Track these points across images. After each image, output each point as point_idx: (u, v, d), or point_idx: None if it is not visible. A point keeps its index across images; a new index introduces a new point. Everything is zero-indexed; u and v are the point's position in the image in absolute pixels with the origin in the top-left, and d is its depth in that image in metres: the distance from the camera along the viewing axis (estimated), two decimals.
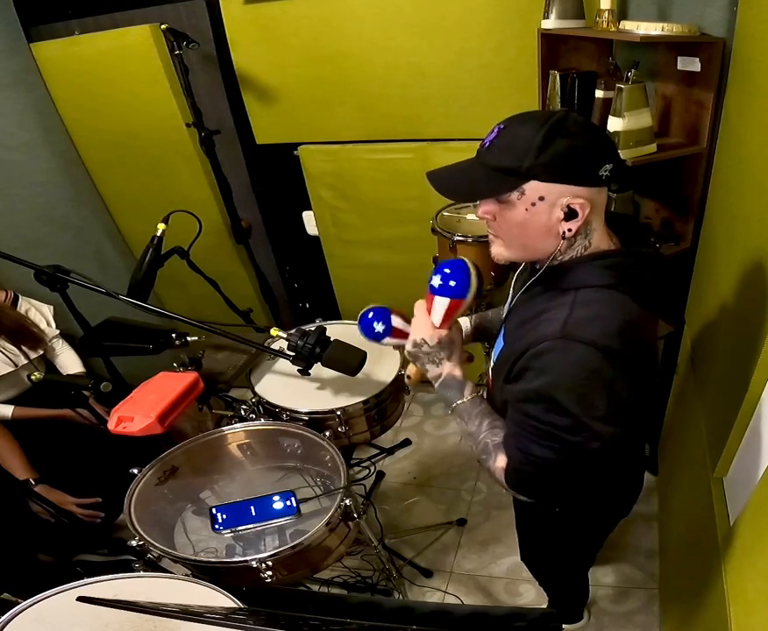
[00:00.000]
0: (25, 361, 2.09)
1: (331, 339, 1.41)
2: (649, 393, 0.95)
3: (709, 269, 1.50)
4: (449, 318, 1.02)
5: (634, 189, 1.73)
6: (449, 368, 1.05)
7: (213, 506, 1.38)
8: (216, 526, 1.36)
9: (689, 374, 1.64)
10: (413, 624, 1.00)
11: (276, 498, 1.37)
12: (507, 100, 1.89)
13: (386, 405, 1.59)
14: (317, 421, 1.52)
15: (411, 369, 1.14)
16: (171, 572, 1.22)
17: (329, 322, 1.73)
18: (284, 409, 1.52)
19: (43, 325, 2.23)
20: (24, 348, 2.09)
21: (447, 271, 1.00)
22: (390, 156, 2.18)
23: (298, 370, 1.44)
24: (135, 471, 1.37)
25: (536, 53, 1.70)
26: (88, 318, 1.66)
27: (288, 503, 1.36)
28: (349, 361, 1.39)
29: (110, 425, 1.28)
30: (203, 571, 1.23)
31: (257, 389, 1.61)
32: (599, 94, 1.62)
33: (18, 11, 2.11)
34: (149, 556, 1.26)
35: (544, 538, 1.40)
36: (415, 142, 2.13)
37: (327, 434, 1.44)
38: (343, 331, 1.55)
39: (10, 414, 2.03)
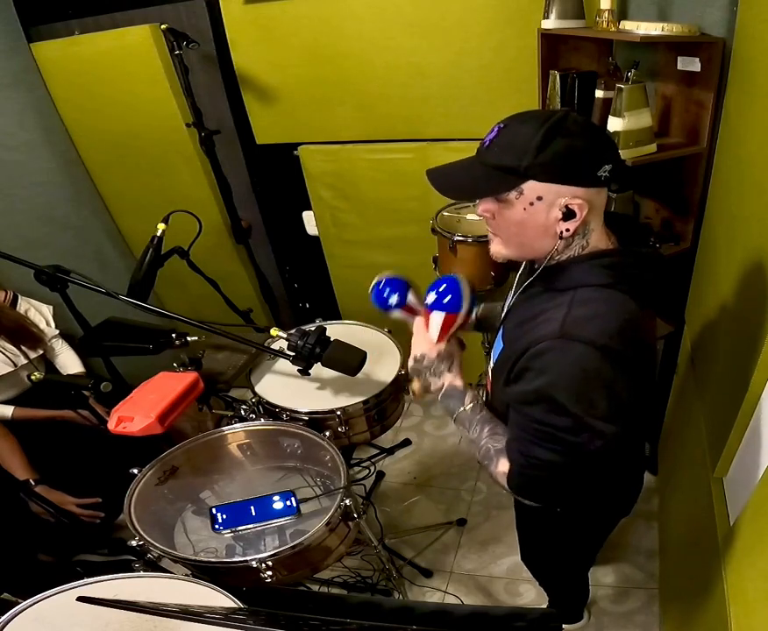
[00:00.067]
0: (25, 361, 2.09)
1: (331, 339, 1.41)
2: (648, 393, 0.95)
3: (709, 269, 1.50)
4: (446, 332, 1.07)
5: (634, 189, 1.73)
6: (450, 379, 1.09)
7: (213, 506, 1.38)
8: (216, 526, 1.36)
9: (689, 374, 1.64)
10: (413, 624, 1.00)
11: (276, 498, 1.37)
12: (507, 100, 1.89)
13: (386, 405, 1.59)
14: (317, 421, 1.52)
15: (415, 385, 1.17)
16: (171, 572, 1.22)
17: (329, 322, 1.73)
18: (284, 409, 1.52)
19: (42, 325, 2.23)
20: (23, 348, 2.09)
21: (442, 287, 1.05)
22: (390, 156, 2.18)
23: (298, 370, 1.44)
24: (135, 471, 1.37)
25: (536, 53, 1.70)
26: (88, 318, 1.66)
27: (288, 503, 1.36)
28: (349, 361, 1.39)
29: (110, 425, 1.28)
30: (203, 571, 1.23)
31: (257, 389, 1.61)
32: (599, 94, 1.62)
33: (18, 11, 2.12)
34: (149, 556, 1.26)
35: (545, 538, 1.40)
36: (415, 142, 2.13)
37: (327, 434, 1.44)
38: (343, 331, 1.56)
39: (10, 415, 2.03)
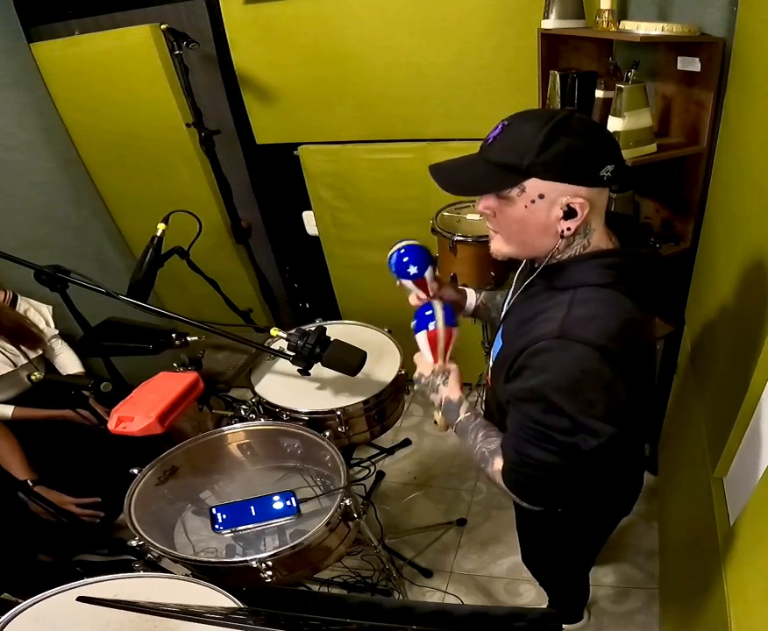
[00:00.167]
0: (25, 361, 2.09)
1: (331, 339, 1.41)
2: (648, 393, 0.95)
3: (709, 269, 1.50)
4: (434, 348, 1.14)
5: (634, 189, 1.73)
6: (446, 393, 1.13)
7: (213, 506, 1.38)
8: (216, 526, 1.36)
9: (689, 374, 1.64)
10: (413, 624, 1.00)
11: (276, 498, 1.37)
12: (507, 100, 1.89)
13: (386, 405, 1.59)
14: (317, 421, 1.52)
15: (437, 415, 1.23)
16: (171, 572, 1.22)
17: (329, 322, 1.73)
18: (284, 409, 1.52)
19: (42, 325, 2.23)
20: (23, 348, 2.09)
21: (422, 312, 1.15)
22: (390, 156, 2.18)
23: (298, 370, 1.44)
24: (135, 471, 1.37)
25: (536, 53, 1.70)
26: (88, 318, 1.66)
27: (288, 503, 1.36)
28: (349, 361, 1.39)
29: (110, 425, 1.28)
30: (203, 571, 1.23)
31: (257, 389, 1.61)
32: (599, 94, 1.62)
33: (18, 11, 2.11)
34: (149, 556, 1.26)
35: (545, 539, 1.40)
36: (415, 142, 2.13)
37: (327, 434, 1.44)
38: (343, 331, 1.56)
39: (10, 415, 2.03)
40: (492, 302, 1.33)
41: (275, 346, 1.57)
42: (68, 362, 2.27)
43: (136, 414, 1.27)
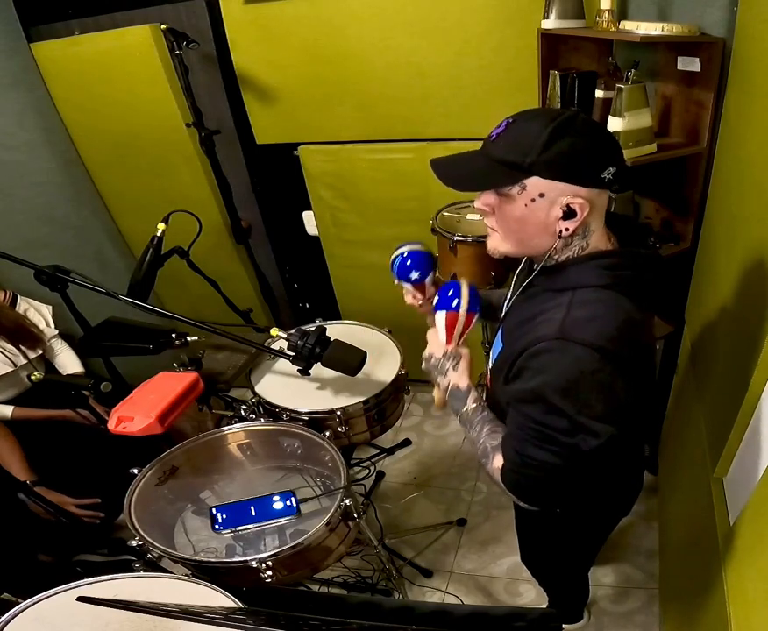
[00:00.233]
0: (24, 361, 2.09)
1: (331, 339, 1.41)
2: (647, 393, 0.95)
3: (709, 269, 1.50)
4: (451, 331, 1.10)
5: (634, 189, 1.73)
6: (454, 378, 1.10)
7: (213, 506, 1.38)
8: (216, 526, 1.36)
9: (689, 374, 1.64)
10: (413, 624, 1.00)
11: (276, 498, 1.37)
12: (507, 100, 1.89)
13: (386, 405, 1.59)
14: (317, 421, 1.52)
15: (436, 392, 1.19)
16: (171, 572, 1.22)
17: (329, 322, 1.73)
18: (284, 409, 1.52)
19: (42, 325, 2.23)
20: (23, 348, 2.10)
21: (448, 291, 1.10)
22: (390, 156, 2.18)
23: (298, 370, 1.44)
24: (135, 471, 1.37)
25: (536, 53, 1.70)
26: (88, 318, 1.66)
27: (288, 503, 1.36)
28: (349, 361, 1.39)
29: (110, 425, 1.28)
30: (203, 571, 1.23)
31: (257, 389, 1.61)
32: (599, 94, 1.62)
33: (18, 11, 2.11)
34: (149, 556, 1.26)
35: (544, 539, 1.40)
36: (415, 142, 2.13)
37: (327, 434, 1.44)
38: (343, 331, 1.56)
39: (9, 415, 2.03)
40: (491, 301, 1.33)
41: (275, 346, 1.57)
42: (68, 362, 2.27)
43: (136, 414, 1.27)
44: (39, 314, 2.26)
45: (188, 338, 1.58)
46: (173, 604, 0.89)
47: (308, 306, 2.92)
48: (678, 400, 1.89)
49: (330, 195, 2.37)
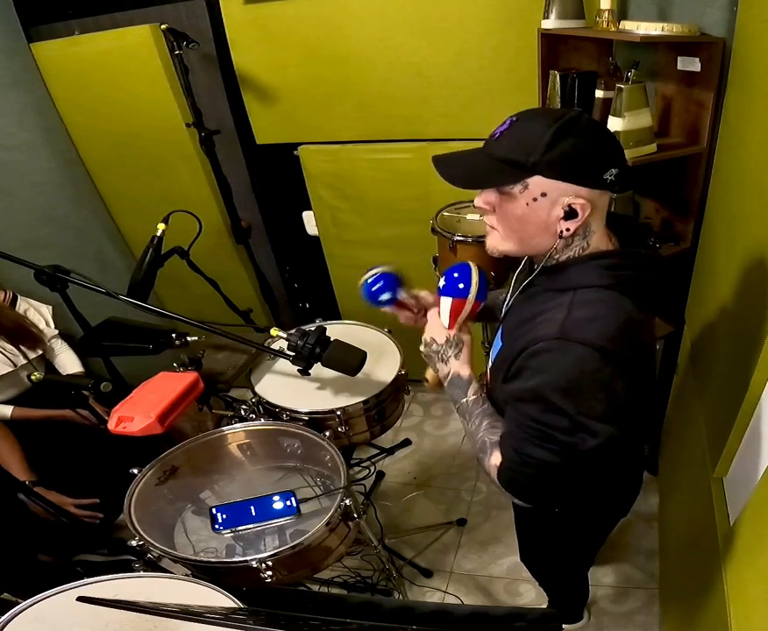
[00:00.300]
0: (24, 361, 2.09)
1: (331, 339, 1.41)
2: (647, 393, 0.95)
3: (709, 269, 1.50)
4: (455, 317, 1.07)
5: (634, 189, 1.73)
6: (456, 367, 1.07)
7: (213, 506, 1.38)
8: (216, 526, 1.36)
9: (689, 374, 1.64)
10: (413, 624, 1.00)
11: (276, 498, 1.37)
12: (507, 100, 1.89)
13: (386, 405, 1.59)
14: (317, 421, 1.52)
15: (429, 373, 1.17)
16: (171, 572, 1.22)
17: (329, 322, 1.73)
18: (284, 409, 1.52)
19: (42, 325, 2.23)
20: (22, 348, 2.10)
21: (455, 274, 1.06)
22: (390, 156, 2.18)
23: (298, 370, 1.44)
24: (135, 471, 1.37)
25: (536, 53, 1.70)
26: (88, 318, 1.66)
27: (288, 503, 1.36)
28: (349, 361, 1.39)
29: (110, 425, 1.28)
30: (203, 571, 1.23)
31: (257, 389, 1.61)
32: (599, 94, 1.62)
33: (18, 11, 2.11)
34: (149, 556, 1.26)
35: (544, 539, 1.40)
36: (415, 142, 2.13)
37: (327, 434, 1.44)
38: (343, 331, 1.56)
39: (9, 414, 2.03)
40: (492, 302, 1.32)
41: (275, 346, 1.57)
42: (68, 362, 2.27)
43: (136, 414, 1.27)
44: (39, 314, 2.26)
45: (188, 338, 1.58)
46: (173, 604, 0.89)
47: (308, 306, 2.92)
48: (678, 400, 1.89)
49: (330, 195, 2.37)
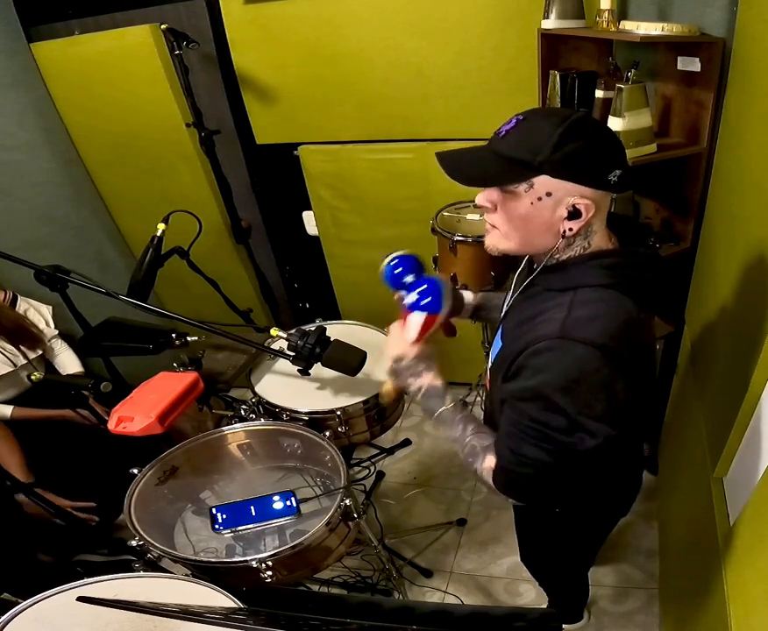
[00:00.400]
0: (24, 361, 2.09)
1: (331, 339, 1.41)
2: (647, 393, 0.95)
3: (709, 269, 1.50)
4: (424, 333, 1.07)
5: (634, 189, 1.73)
6: (429, 379, 1.08)
7: (213, 506, 1.38)
8: (216, 526, 1.36)
9: (689, 374, 1.64)
10: (413, 624, 1.00)
11: (276, 498, 1.37)
12: (507, 100, 1.89)
13: (386, 405, 1.59)
14: (317, 421, 1.52)
15: (387, 387, 1.16)
16: (171, 572, 1.22)
17: (329, 322, 1.73)
18: (284, 409, 1.52)
19: (42, 325, 2.23)
20: (22, 348, 2.10)
21: (422, 288, 1.06)
22: (390, 156, 2.18)
23: (298, 370, 1.44)
24: (135, 471, 1.37)
25: (536, 53, 1.70)
26: (88, 318, 1.66)
27: (288, 503, 1.36)
28: (349, 361, 1.39)
29: (110, 425, 1.28)
30: (203, 571, 1.23)
31: (257, 389, 1.61)
32: (599, 94, 1.62)
33: (18, 11, 2.12)
34: (149, 556, 1.26)
35: (543, 539, 1.40)
36: (415, 142, 2.13)
37: (327, 434, 1.44)
38: (343, 331, 1.56)
39: (9, 414, 2.03)
40: (491, 303, 1.33)
41: (275, 346, 1.57)
42: (68, 362, 2.27)
43: (136, 414, 1.27)
44: (39, 314, 2.26)
45: (188, 338, 1.58)
46: (173, 604, 0.89)
47: (308, 306, 2.92)
48: (678, 400, 1.89)
49: (330, 195, 2.37)
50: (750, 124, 1.16)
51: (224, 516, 1.36)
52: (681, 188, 1.69)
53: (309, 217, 2.52)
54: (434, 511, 2.28)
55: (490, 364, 1.08)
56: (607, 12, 1.46)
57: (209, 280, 1.88)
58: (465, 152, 0.92)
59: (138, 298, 1.54)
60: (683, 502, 1.62)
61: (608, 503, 1.25)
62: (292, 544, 1.19)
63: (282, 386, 1.62)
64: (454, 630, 1.02)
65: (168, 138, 2.30)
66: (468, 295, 1.32)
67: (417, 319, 1.06)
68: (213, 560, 1.28)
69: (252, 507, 1.36)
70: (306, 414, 1.51)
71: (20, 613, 0.93)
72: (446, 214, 1.95)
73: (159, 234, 1.67)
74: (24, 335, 2.10)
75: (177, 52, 1.94)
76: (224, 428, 1.51)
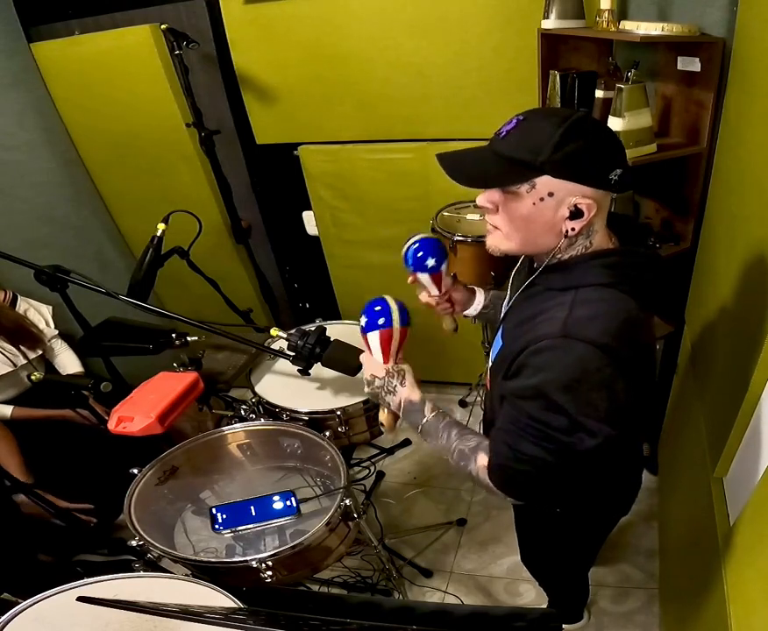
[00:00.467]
0: (24, 361, 2.09)
1: (331, 339, 1.41)
2: (647, 393, 0.95)
3: (709, 269, 1.50)
4: (386, 350, 1.10)
5: (634, 189, 1.73)
6: (405, 394, 1.09)
7: (213, 506, 1.38)
8: (216, 526, 1.36)
9: (689, 374, 1.64)
10: (413, 624, 1.00)
11: (276, 498, 1.37)
12: (507, 100, 1.89)
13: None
14: (317, 421, 1.52)
15: (382, 415, 1.17)
16: (171, 572, 1.22)
17: (329, 322, 1.73)
18: (284, 409, 1.52)
19: (42, 325, 2.23)
20: (22, 348, 2.10)
21: (376, 308, 1.10)
22: (390, 156, 2.18)
23: (298, 370, 1.44)
24: (135, 471, 1.37)
25: (536, 53, 1.70)
26: (88, 318, 1.66)
27: (288, 503, 1.36)
28: (349, 361, 1.39)
29: (110, 425, 1.28)
30: (203, 571, 1.23)
31: (257, 389, 1.61)
32: (599, 94, 1.62)
33: (18, 11, 2.11)
34: (149, 556, 1.26)
35: (543, 539, 1.40)
36: (415, 142, 2.13)
37: (327, 434, 1.44)
38: (343, 331, 1.56)
39: (9, 414, 2.03)
40: (497, 302, 1.32)
41: (275, 346, 1.57)
42: (68, 362, 2.27)
43: (136, 414, 1.27)
44: (39, 314, 2.26)
45: (188, 338, 1.58)
46: (173, 604, 0.89)
47: (308, 306, 2.92)
48: (678, 400, 1.89)
49: (330, 195, 2.37)
50: (750, 124, 1.16)
51: (224, 516, 1.36)
52: (681, 188, 1.69)
53: (309, 217, 2.52)
54: (434, 511, 2.28)
55: (490, 363, 1.08)
56: (607, 12, 1.46)
57: (209, 280, 1.88)
58: (466, 152, 0.91)
59: (138, 298, 1.54)
60: (683, 502, 1.62)
61: (608, 503, 1.25)
62: (292, 544, 1.19)
63: (282, 386, 1.62)
64: (454, 630, 1.02)
65: (168, 138, 2.30)
66: (479, 296, 1.32)
67: (374, 338, 1.10)
68: (213, 560, 1.28)
69: (252, 507, 1.36)
70: (306, 414, 1.51)
71: (20, 613, 0.93)
72: (446, 214, 1.95)
73: (159, 234, 1.67)
74: (24, 335, 2.10)
75: (177, 52, 1.94)
76: (224, 428, 1.51)
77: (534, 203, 0.86)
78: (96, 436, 1.93)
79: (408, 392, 1.09)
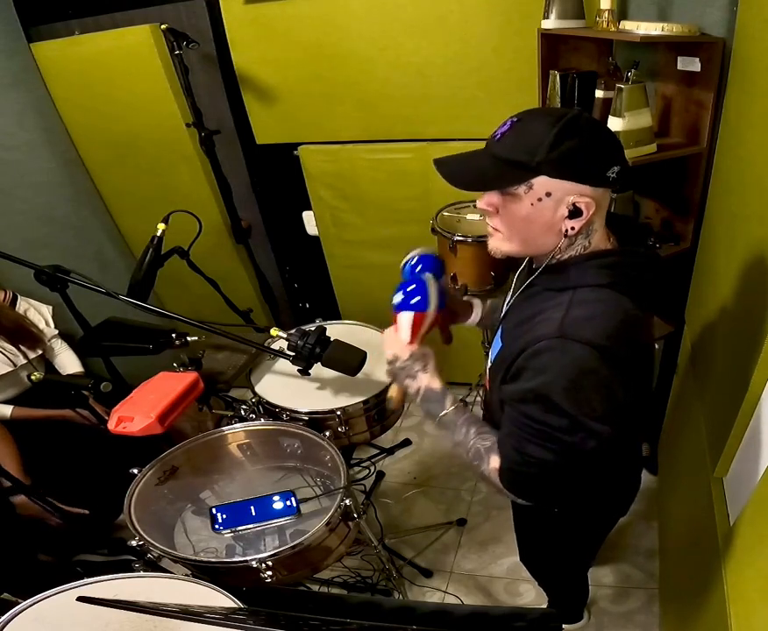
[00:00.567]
0: (24, 361, 2.09)
1: (331, 339, 1.41)
2: (646, 393, 0.95)
3: (709, 269, 1.50)
4: (416, 332, 1.06)
5: (634, 189, 1.73)
6: (426, 380, 1.07)
7: (213, 506, 1.38)
8: (216, 526, 1.36)
9: (689, 374, 1.64)
10: (413, 624, 1.00)
11: (276, 498, 1.37)
12: (507, 100, 1.89)
13: (386, 405, 1.59)
14: (317, 421, 1.52)
15: (393, 392, 1.16)
16: (171, 572, 1.22)
17: (329, 322, 1.73)
18: (284, 409, 1.52)
19: (42, 325, 2.23)
20: (22, 348, 2.09)
21: (410, 287, 1.06)
22: (390, 156, 2.18)
23: (298, 370, 1.44)
24: (135, 471, 1.37)
25: (536, 53, 1.70)
26: (88, 318, 1.66)
27: (288, 503, 1.36)
28: (349, 361, 1.39)
29: (110, 425, 1.28)
30: (203, 571, 1.23)
31: (257, 389, 1.61)
32: (599, 94, 1.62)
33: (18, 11, 2.12)
34: (149, 556, 1.26)
35: (542, 539, 1.40)
36: (415, 142, 2.13)
37: (327, 434, 1.44)
38: (343, 331, 1.56)
39: (8, 414, 2.03)
40: (495, 310, 1.32)
41: (275, 346, 1.57)
42: (68, 362, 2.27)
43: (136, 414, 1.27)
44: (39, 314, 2.26)
45: (188, 338, 1.58)
46: (173, 604, 0.89)
47: (308, 306, 2.92)
48: (678, 400, 1.89)
49: (330, 195, 2.37)
50: (750, 124, 1.16)
51: (224, 516, 1.36)
52: (681, 188, 1.69)
53: (309, 217, 2.52)
54: (434, 511, 2.28)
55: (490, 364, 1.08)
56: (607, 12, 1.46)
57: (209, 280, 1.88)
58: (463, 157, 0.92)
59: (138, 298, 1.54)
60: (683, 502, 1.62)
61: (608, 503, 1.25)
62: (292, 544, 1.19)
63: (282, 386, 1.62)
64: (454, 630, 1.02)
65: (168, 138, 2.30)
66: (477, 308, 1.31)
67: (406, 318, 1.06)
68: (213, 560, 1.28)
69: (252, 507, 1.36)
70: (306, 414, 1.51)
71: (20, 613, 0.93)
72: (446, 214, 1.95)
73: (159, 234, 1.67)
74: (24, 335, 2.10)
75: (177, 52, 1.94)
76: (224, 428, 1.51)
77: (532, 204, 0.86)
78: (95, 436, 1.92)
79: (428, 379, 1.06)
